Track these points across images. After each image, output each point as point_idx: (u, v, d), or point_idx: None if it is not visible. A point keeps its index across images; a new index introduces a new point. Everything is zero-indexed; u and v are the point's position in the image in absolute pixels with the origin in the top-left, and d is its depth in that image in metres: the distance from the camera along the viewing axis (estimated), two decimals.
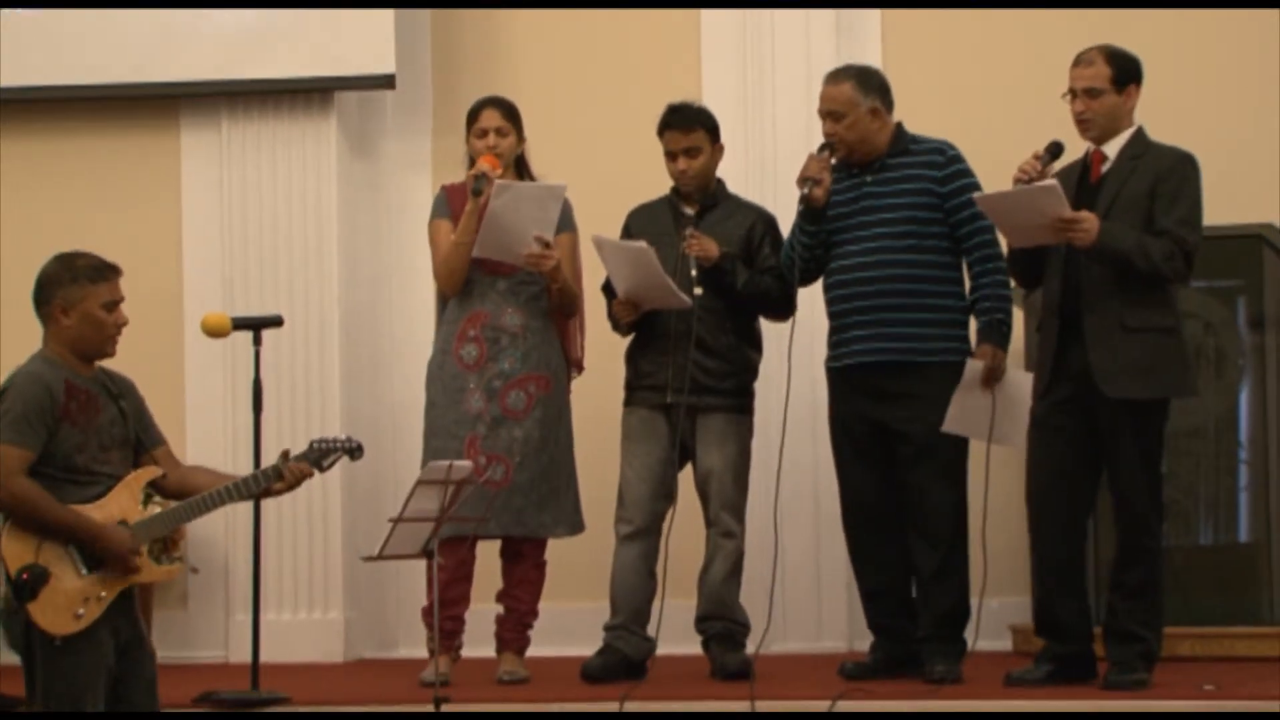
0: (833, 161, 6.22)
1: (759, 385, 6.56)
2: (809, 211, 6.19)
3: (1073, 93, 5.89)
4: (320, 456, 5.44)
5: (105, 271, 5.19)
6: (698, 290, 6.24)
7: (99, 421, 5.21)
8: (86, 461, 5.16)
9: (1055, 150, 5.87)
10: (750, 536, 6.47)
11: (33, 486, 5.05)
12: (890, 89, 6.30)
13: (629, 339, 6.48)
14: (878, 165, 6.23)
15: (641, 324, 6.37)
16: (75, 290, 5.16)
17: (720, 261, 6.26)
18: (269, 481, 5.31)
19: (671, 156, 6.41)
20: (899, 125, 6.28)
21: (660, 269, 6.16)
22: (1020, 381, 6.10)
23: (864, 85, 6.23)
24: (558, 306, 6.39)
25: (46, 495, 5.06)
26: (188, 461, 5.54)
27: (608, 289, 6.44)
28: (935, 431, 6.10)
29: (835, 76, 6.29)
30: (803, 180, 6.16)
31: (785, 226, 6.51)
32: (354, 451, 5.50)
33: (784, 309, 6.36)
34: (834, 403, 6.34)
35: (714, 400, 6.32)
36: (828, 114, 6.22)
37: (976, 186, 6.14)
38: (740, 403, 6.39)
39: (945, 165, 6.20)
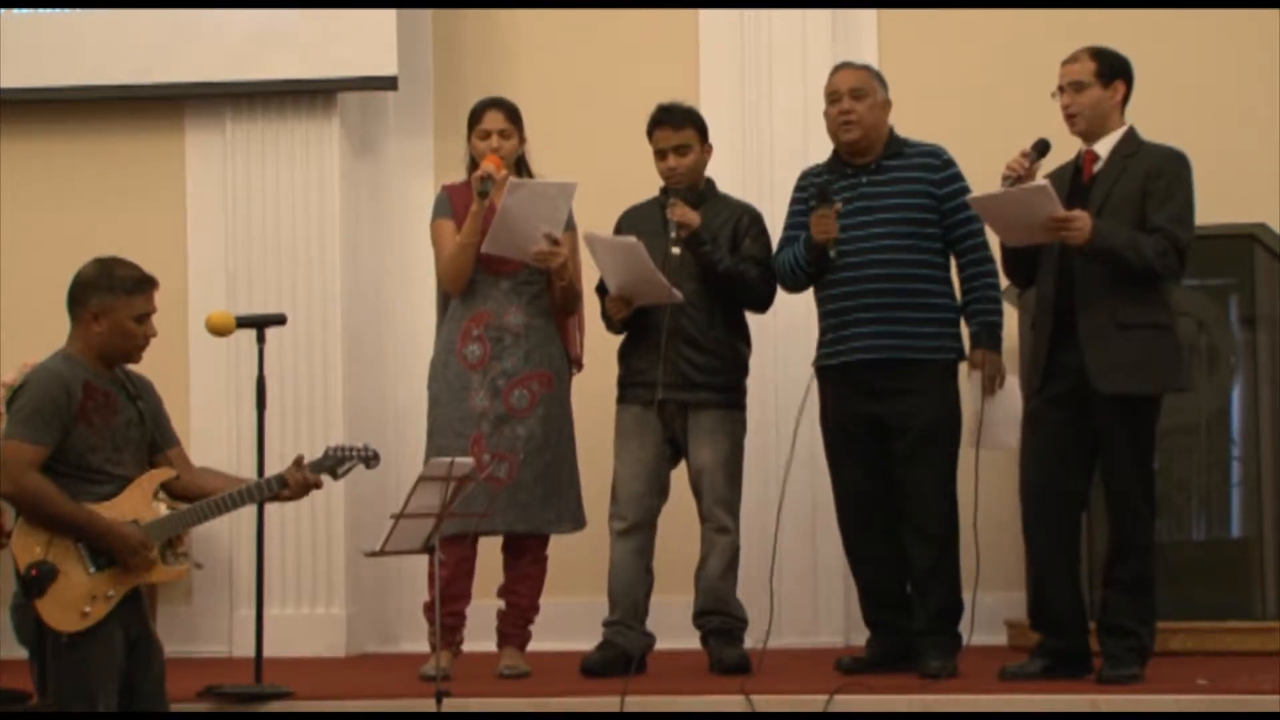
0: (840, 209, 6.20)
1: (755, 384, 6.61)
2: (819, 256, 6.20)
3: (1060, 88, 5.96)
4: (335, 464, 5.49)
5: (143, 285, 5.21)
6: (677, 294, 6.27)
7: (116, 423, 5.24)
8: (100, 462, 5.20)
9: (1042, 147, 5.92)
10: (747, 532, 6.52)
11: (44, 481, 5.08)
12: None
13: (621, 337, 6.52)
14: (873, 166, 6.27)
15: (633, 322, 6.41)
16: (111, 299, 5.19)
17: (699, 231, 6.30)
18: (276, 489, 5.37)
19: (661, 155, 6.45)
20: (890, 128, 6.33)
21: (650, 263, 6.19)
22: (1010, 384, 6.18)
23: (878, 77, 6.33)
24: (560, 304, 6.43)
25: (57, 490, 5.08)
26: (193, 459, 5.58)
27: (601, 288, 6.48)
28: (931, 427, 6.15)
29: (851, 64, 6.39)
30: (825, 241, 6.14)
31: (778, 225, 6.54)
32: (369, 460, 5.55)
33: (765, 299, 6.46)
34: (826, 401, 6.35)
35: (705, 396, 6.36)
36: (850, 91, 6.23)
37: (969, 190, 6.19)
38: (731, 398, 6.43)
39: (942, 168, 6.25)
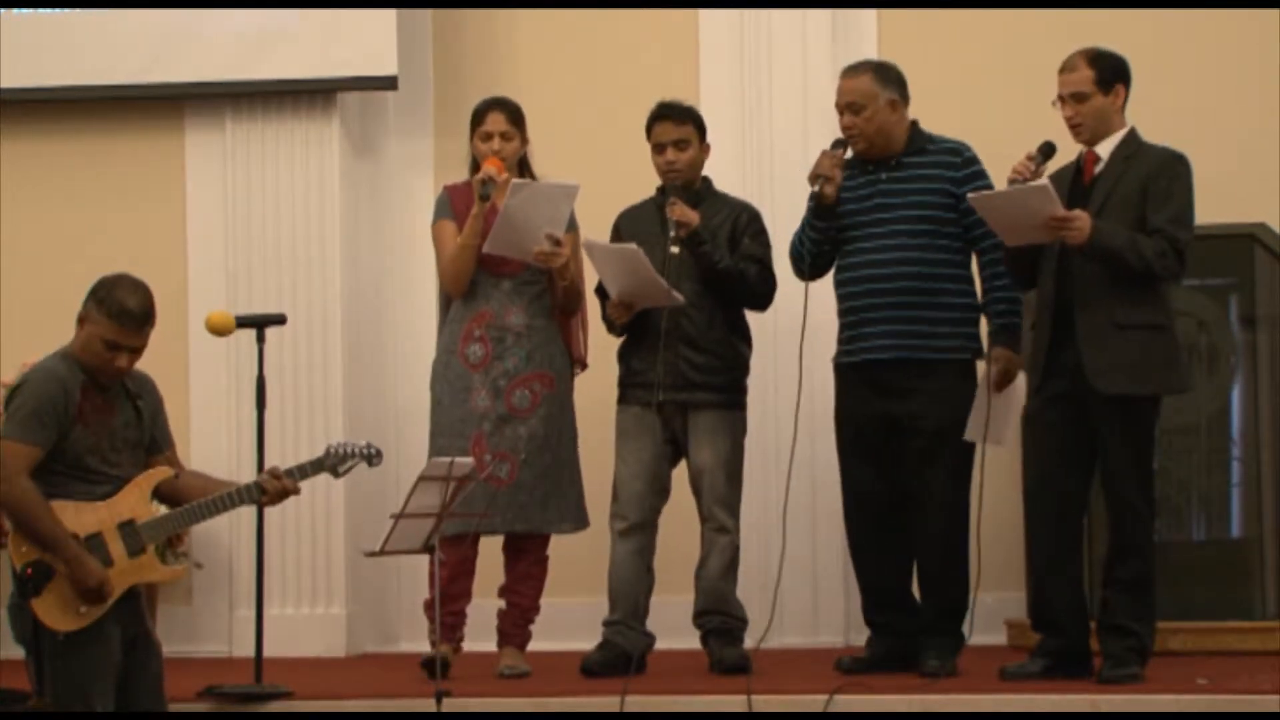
0: (846, 156, 6.23)
1: (757, 383, 6.61)
2: (819, 208, 6.22)
3: (1061, 99, 5.96)
4: (337, 462, 5.50)
5: (124, 317, 5.15)
6: (678, 296, 6.26)
7: (113, 424, 5.24)
8: (97, 462, 5.20)
9: (1047, 150, 5.93)
10: (748, 532, 6.52)
11: (31, 491, 5.09)
12: (907, 83, 6.31)
13: (622, 338, 6.52)
14: (894, 163, 6.25)
15: (633, 323, 6.40)
16: (95, 311, 5.18)
17: (699, 231, 6.29)
18: (257, 496, 5.36)
19: (660, 149, 6.43)
20: (914, 123, 6.30)
21: (651, 268, 6.19)
22: (1016, 383, 6.17)
23: (882, 78, 6.25)
24: (562, 304, 6.43)
25: (42, 504, 5.08)
26: (193, 459, 5.58)
27: (601, 291, 6.48)
28: (945, 427, 6.14)
29: (854, 69, 6.32)
30: (814, 177, 6.19)
31: (778, 224, 6.56)
32: (372, 458, 5.56)
33: (764, 298, 6.45)
34: (841, 398, 6.36)
35: (705, 396, 6.36)
36: (847, 106, 6.22)
37: (991, 188, 6.14)
38: (731, 398, 6.42)
39: (962, 166, 6.23)
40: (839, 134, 6.29)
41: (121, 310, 5.17)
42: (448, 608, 6.18)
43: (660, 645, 6.49)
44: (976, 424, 6.16)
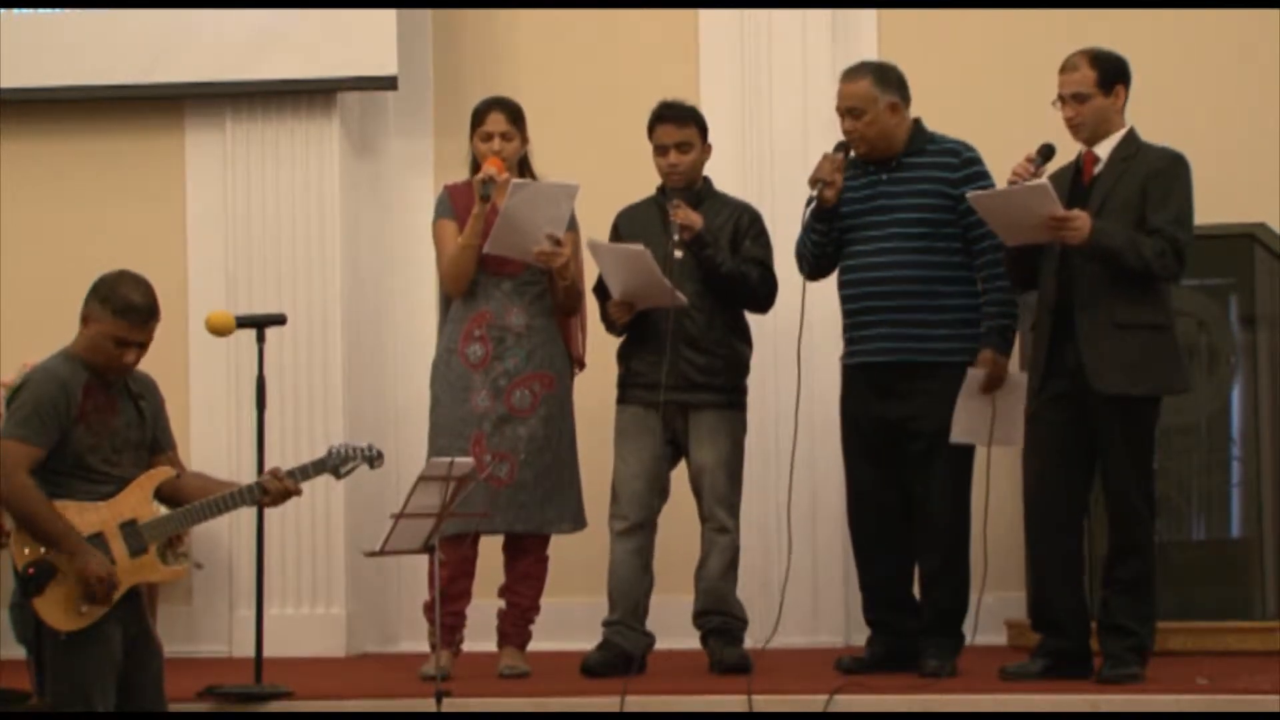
0: (850, 156, 6.23)
1: (757, 383, 6.61)
2: (819, 211, 6.22)
3: (1061, 99, 5.96)
4: (339, 463, 5.51)
5: (129, 312, 5.17)
6: (681, 298, 6.26)
7: (115, 424, 5.24)
8: (98, 462, 5.20)
9: (1047, 152, 5.93)
10: (748, 532, 6.51)
11: (31, 488, 5.09)
12: (908, 84, 6.29)
13: (621, 338, 6.52)
14: (894, 164, 6.24)
15: (633, 323, 6.40)
16: (99, 310, 5.18)
17: (703, 234, 6.29)
18: (259, 496, 5.37)
19: (662, 151, 6.43)
20: (917, 122, 6.29)
21: (657, 269, 6.19)
22: (1017, 381, 6.16)
23: (882, 81, 6.24)
24: (562, 304, 6.43)
25: (43, 500, 5.09)
26: (193, 459, 5.58)
27: (599, 290, 6.48)
28: (945, 429, 6.13)
29: (853, 73, 6.30)
30: (814, 181, 6.19)
31: (778, 224, 6.56)
32: (373, 460, 5.57)
33: (766, 300, 6.45)
34: (844, 399, 6.36)
35: (706, 397, 6.36)
36: (847, 111, 6.21)
37: (991, 188, 6.13)
38: (732, 398, 6.43)
39: (960, 167, 6.21)
40: (839, 134, 6.29)
41: (127, 306, 5.17)
42: (447, 608, 6.18)
43: (660, 645, 6.50)
44: (963, 427, 6.14)
